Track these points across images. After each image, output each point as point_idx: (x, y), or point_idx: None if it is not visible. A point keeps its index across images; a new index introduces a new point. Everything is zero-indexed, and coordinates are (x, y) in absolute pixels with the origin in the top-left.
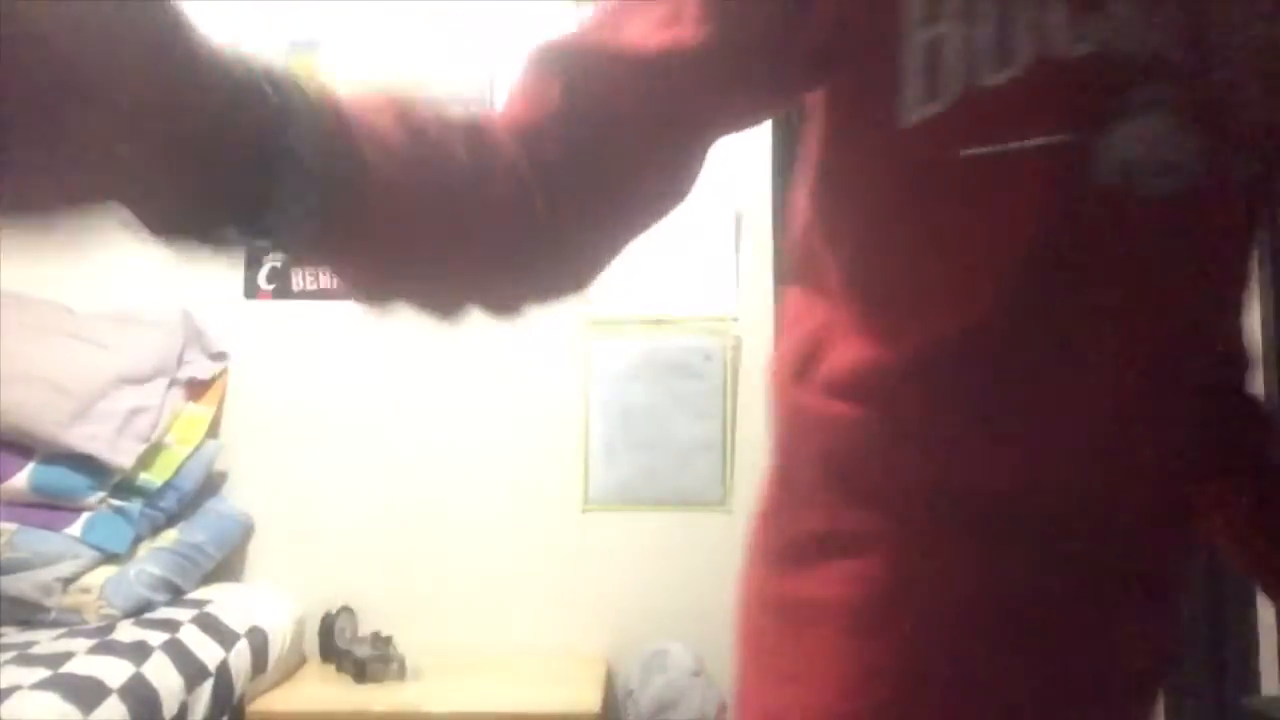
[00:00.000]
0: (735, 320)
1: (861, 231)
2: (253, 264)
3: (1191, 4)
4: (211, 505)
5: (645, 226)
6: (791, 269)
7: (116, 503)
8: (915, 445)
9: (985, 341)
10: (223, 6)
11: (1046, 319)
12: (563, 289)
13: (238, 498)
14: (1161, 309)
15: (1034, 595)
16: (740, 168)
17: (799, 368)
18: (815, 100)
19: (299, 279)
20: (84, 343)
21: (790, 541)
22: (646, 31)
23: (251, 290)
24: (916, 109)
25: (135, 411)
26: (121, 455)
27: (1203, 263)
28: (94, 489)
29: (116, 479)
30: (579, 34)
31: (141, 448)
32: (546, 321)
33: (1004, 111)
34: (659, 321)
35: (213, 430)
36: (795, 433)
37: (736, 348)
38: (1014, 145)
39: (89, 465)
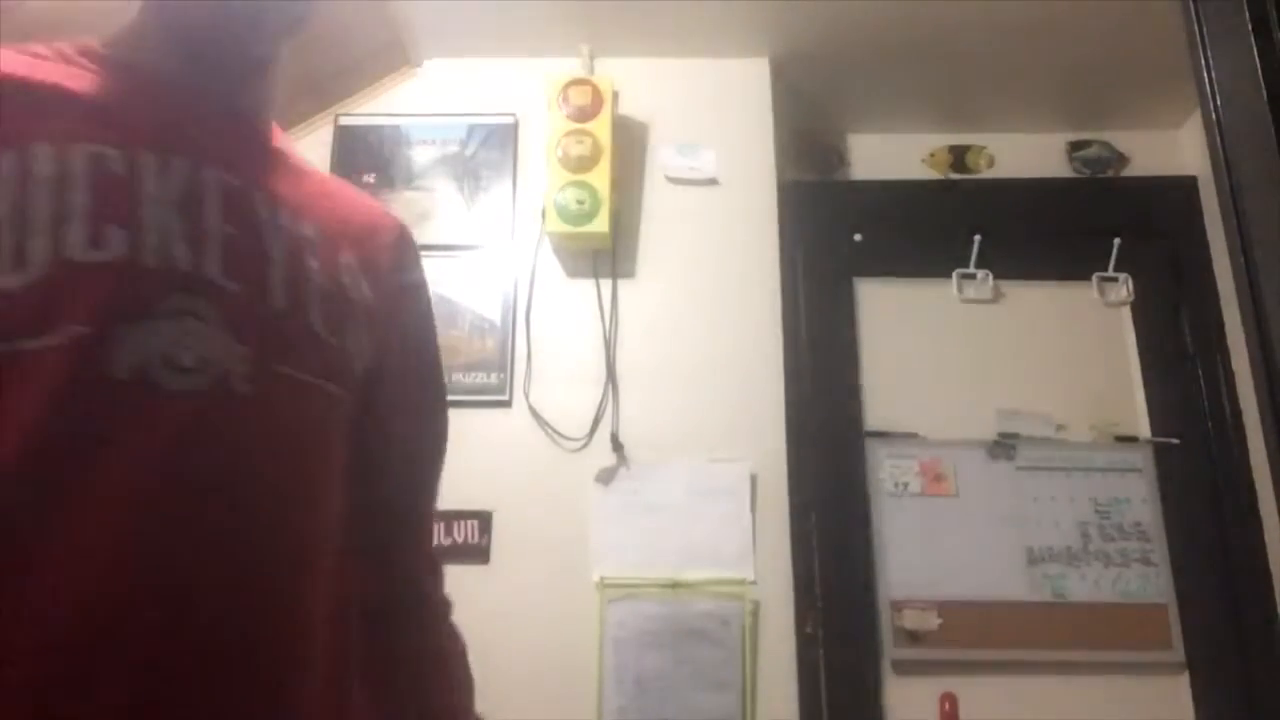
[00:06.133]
0: (753, 584)
1: None
2: None
3: (241, 228)
4: None
5: None
6: None
7: None
8: None
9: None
10: None
11: (58, 489)
12: None
13: None
14: (198, 485)
15: None
16: (755, 428)
17: None
18: None
19: None
20: None
21: None
22: None
23: None
24: None
25: None
26: None
27: (255, 453)
28: None
29: None
30: None
31: None
32: (557, 585)
33: (18, 310)
34: (674, 585)
35: None
36: None
37: (755, 613)
38: (26, 345)
39: None
